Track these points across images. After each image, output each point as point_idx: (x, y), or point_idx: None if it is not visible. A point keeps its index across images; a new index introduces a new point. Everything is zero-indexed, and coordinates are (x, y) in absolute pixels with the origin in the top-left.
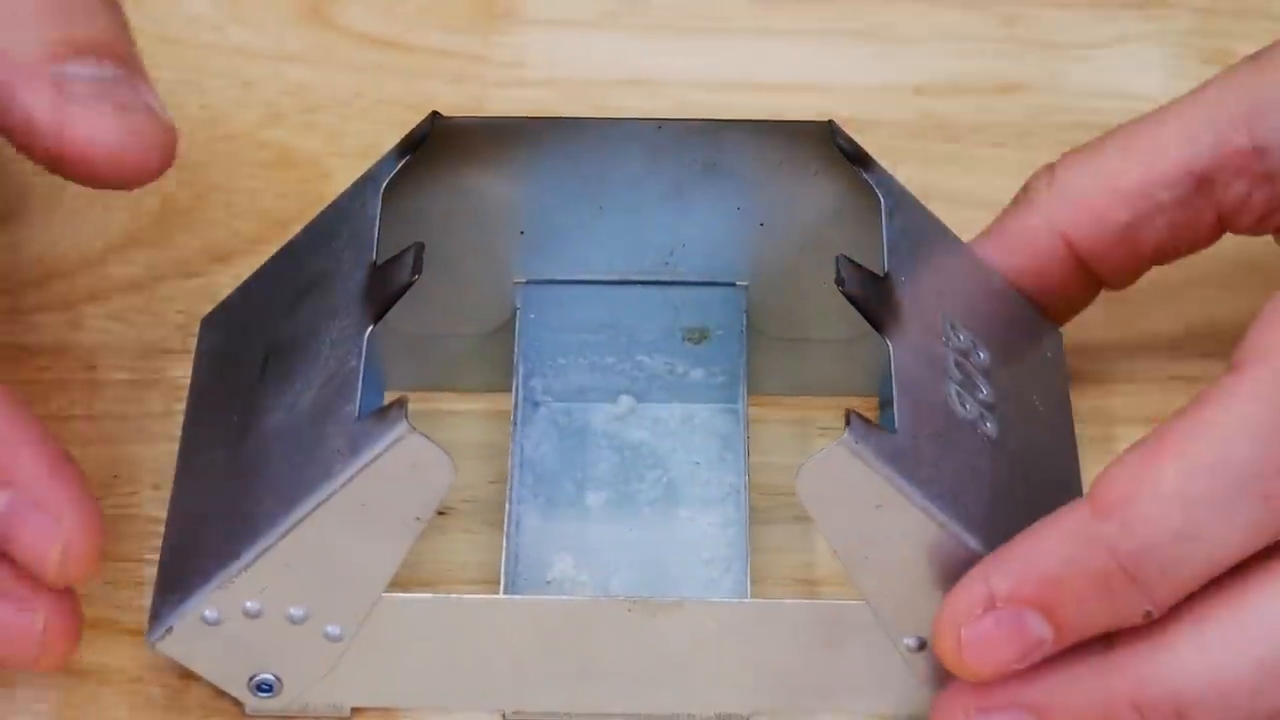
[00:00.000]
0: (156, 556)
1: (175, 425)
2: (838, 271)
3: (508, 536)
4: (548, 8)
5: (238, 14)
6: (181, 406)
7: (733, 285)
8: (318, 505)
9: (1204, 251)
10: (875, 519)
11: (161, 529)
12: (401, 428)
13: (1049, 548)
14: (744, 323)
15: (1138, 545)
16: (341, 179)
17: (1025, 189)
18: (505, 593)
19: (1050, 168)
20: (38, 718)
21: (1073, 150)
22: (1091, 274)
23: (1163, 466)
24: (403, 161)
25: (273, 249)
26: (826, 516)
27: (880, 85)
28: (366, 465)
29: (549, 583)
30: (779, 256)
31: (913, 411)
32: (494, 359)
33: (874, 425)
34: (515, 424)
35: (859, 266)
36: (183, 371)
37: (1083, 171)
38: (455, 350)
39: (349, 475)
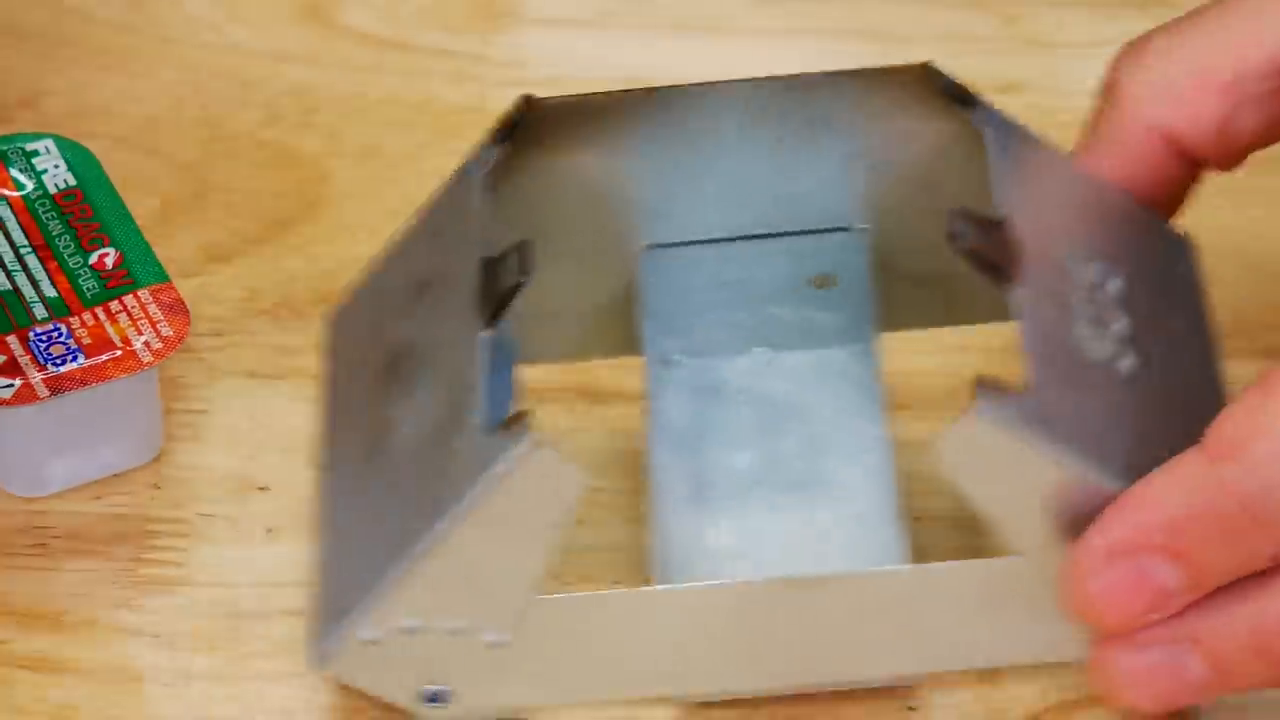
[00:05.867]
0: (156, 556)
1: (175, 424)
2: (952, 227)
3: (655, 510)
4: (548, 8)
5: (237, 14)
6: (180, 405)
7: (851, 229)
8: (453, 525)
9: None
10: (1017, 479)
11: (161, 529)
12: (526, 444)
13: (1168, 495)
14: (868, 263)
15: (1258, 486)
16: (341, 179)
17: (1109, 85)
18: (658, 572)
19: (1133, 51)
20: (38, 718)
21: (1157, 31)
22: (1192, 163)
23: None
24: (501, 149)
25: (273, 249)
26: (970, 484)
27: None
28: (495, 482)
29: (705, 550)
30: (895, 198)
31: (1044, 363)
32: (623, 325)
33: (1004, 388)
34: (649, 388)
35: (973, 217)
36: (180, 371)
37: (1171, 60)
38: (584, 319)
39: (479, 493)
